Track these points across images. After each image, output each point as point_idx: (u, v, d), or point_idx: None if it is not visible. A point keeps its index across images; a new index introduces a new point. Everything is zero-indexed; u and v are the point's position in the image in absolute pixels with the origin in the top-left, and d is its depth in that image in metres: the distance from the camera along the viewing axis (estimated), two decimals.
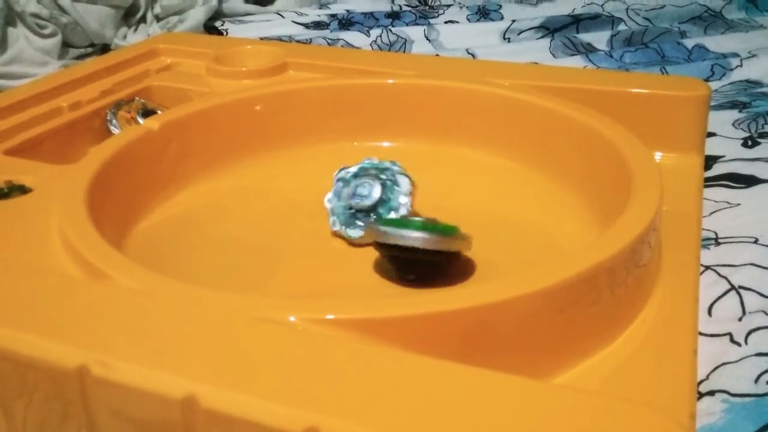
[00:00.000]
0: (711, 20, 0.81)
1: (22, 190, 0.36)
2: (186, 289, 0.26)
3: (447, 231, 0.32)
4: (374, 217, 0.36)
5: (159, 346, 0.23)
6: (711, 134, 0.51)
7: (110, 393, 0.22)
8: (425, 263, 0.32)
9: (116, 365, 0.22)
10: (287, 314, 0.24)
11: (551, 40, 0.75)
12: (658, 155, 0.40)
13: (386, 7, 0.91)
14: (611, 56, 0.71)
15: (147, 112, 0.46)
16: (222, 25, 0.85)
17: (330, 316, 0.24)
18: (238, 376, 0.21)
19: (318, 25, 0.85)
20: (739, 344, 0.31)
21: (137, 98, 0.48)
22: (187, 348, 0.23)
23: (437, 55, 0.73)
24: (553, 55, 0.73)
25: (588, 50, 0.74)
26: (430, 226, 0.32)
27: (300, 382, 0.21)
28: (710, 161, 0.46)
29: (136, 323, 0.24)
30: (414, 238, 0.31)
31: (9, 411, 0.25)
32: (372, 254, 0.35)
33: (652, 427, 0.19)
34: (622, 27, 0.81)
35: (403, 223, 0.32)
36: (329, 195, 0.37)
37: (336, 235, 0.36)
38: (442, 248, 0.31)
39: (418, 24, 0.84)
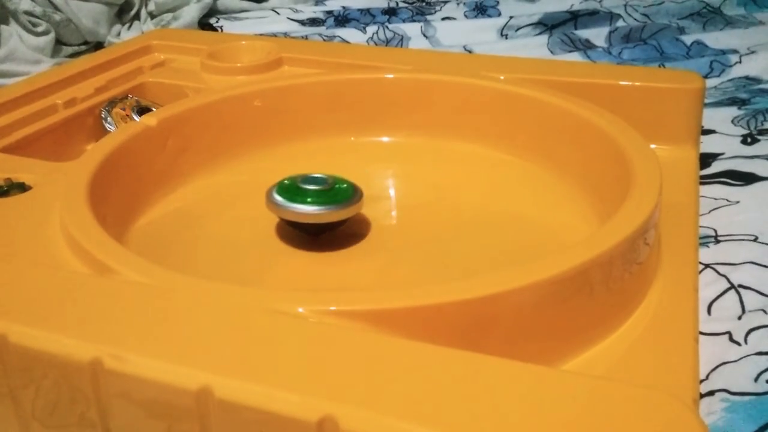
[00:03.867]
0: (710, 16, 0.81)
1: (22, 187, 0.36)
2: (194, 283, 0.26)
3: (339, 198, 0.34)
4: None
5: (171, 339, 0.23)
6: (710, 131, 0.50)
7: (124, 385, 0.22)
8: (318, 226, 0.35)
9: (130, 358, 0.22)
10: (296, 306, 0.24)
11: (549, 37, 0.75)
12: (652, 147, 0.40)
13: (383, 4, 0.90)
14: (609, 53, 0.70)
15: (141, 110, 0.46)
16: (217, 22, 0.84)
17: (339, 308, 0.24)
18: (251, 366, 0.22)
19: (314, 21, 0.85)
20: (738, 343, 0.31)
21: (130, 96, 0.48)
22: (198, 340, 0.23)
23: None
24: (551, 52, 0.73)
25: (586, 47, 0.74)
26: (324, 193, 0.34)
27: (314, 372, 0.21)
28: (709, 158, 0.46)
29: (146, 316, 0.24)
30: (304, 213, 0.34)
31: (19, 403, 0.25)
32: (372, 249, 0.34)
33: (662, 409, 0.20)
34: (620, 23, 0.80)
35: (296, 192, 0.34)
36: None
37: None
38: (333, 219, 0.34)
39: (414, 21, 0.84)
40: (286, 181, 0.35)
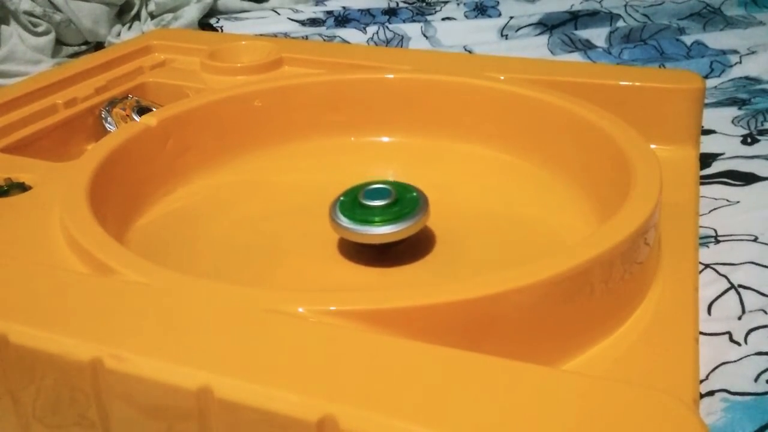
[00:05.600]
0: (710, 17, 0.81)
1: (22, 187, 0.36)
2: (194, 283, 0.26)
3: (407, 211, 0.32)
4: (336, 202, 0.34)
5: (171, 338, 0.23)
6: (710, 131, 0.50)
7: (124, 384, 0.22)
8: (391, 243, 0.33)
9: (130, 358, 0.22)
10: (296, 306, 0.24)
11: (549, 37, 0.75)
12: (652, 147, 0.40)
13: (383, 4, 0.90)
14: (610, 53, 0.70)
15: (141, 110, 0.46)
16: (217, 22, 0.84)
17: (338, 308, 0.24)
18: (252, 366, 0.22)
19: (314, 22, 0.85)
20: (738, 343, 0.31)
21: (131, 96, 0.48)
22: (198, 339, 0.23)
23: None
24: (551, 52, 0.73)
25: (586, 47, 0.74)
26: (390, 209, 0.32)
27: (314, 372, 0.21)
28: (709, 159, 0.46)
29: (147, 316, 0.24)
30: (378, 234, 0.32)
31: (19, 403, 0.25)
32: (374, 249, 0.34)
33: (662, 409, 0.20)
34: (620, 23, 0.80)
35: (361, 211, 0.33)
36: None
37: None
38: (405, 236, 0.32)
39: (415, 21, 0.84)
40: (343, 198, 0.34)
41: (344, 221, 0.33)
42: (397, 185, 0.34)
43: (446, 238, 0.36)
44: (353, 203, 0.33)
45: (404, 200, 0.33)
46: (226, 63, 0.50)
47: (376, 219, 0.32)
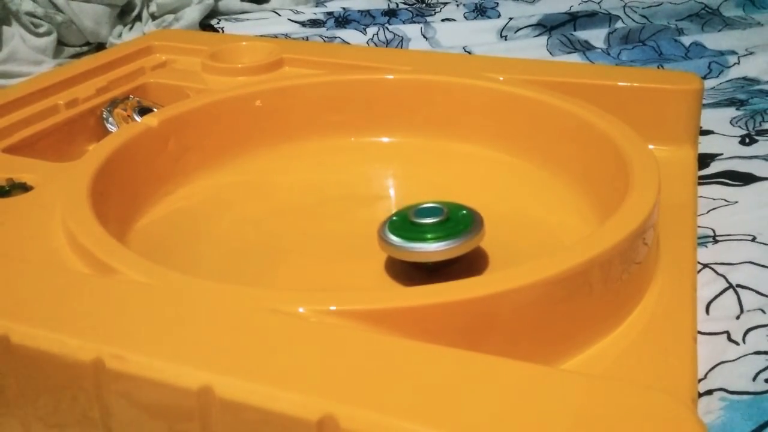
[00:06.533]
0: (708, 17, 0.81)
1: (24, 187, 0.36)
2: (196, 283, 0.26)
3: (461, 228, 0.31)
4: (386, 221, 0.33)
5: (172, 338, 0.23)
6: (708, 132, 0.50)
7: (125, 385, 0.23)
8: (441, 263, 0.32)
9: (131, 358, 0.22)
10: (296, 306, 0.24)
11: (548, 38, 0.75)
12: (650, 148, 0.40)
13: (383, 5, 0.90)
14: (608, 54, 0.71)
15: (143, 110, 0.46)
16: (218, 23, 0.85)
17: (339, 308, 0.24)
18: (252, 365, 0.22)
19: (314, 23, 0.85)
20: (737, 343, 0.31)
21: (132, 96, 0.48)
22: (199, 339, 0.23)
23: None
24: (551, 53, 0.73)
25: (585, 48, 0.74)
26: (442, 226, 0.31)
27: (315, 371, 0.21)
28: (708, 159, 0.46)
29: (148, 316, 0.24)
30: (431, 252, 0.31)
31: (20, 402, 0.25)
32: (372, 249, 0.34)
33: (660, 409, 0.20)
34: (619, 24, 0.80)
35: (412, 229, 0.32)
36: None
37: None
38: (460, 253, 0.31)
39: (414, 22, 0.84)
40: (395, 218, 0.33)
41: (395, 240, 0.32)
42: (449, 204, 0.33)
43: None
44: (404, 223, 0.32)
45: (457, 217, 0.32)
46: (227, 64, 0.50)
47: (429, 236, 0.31)
